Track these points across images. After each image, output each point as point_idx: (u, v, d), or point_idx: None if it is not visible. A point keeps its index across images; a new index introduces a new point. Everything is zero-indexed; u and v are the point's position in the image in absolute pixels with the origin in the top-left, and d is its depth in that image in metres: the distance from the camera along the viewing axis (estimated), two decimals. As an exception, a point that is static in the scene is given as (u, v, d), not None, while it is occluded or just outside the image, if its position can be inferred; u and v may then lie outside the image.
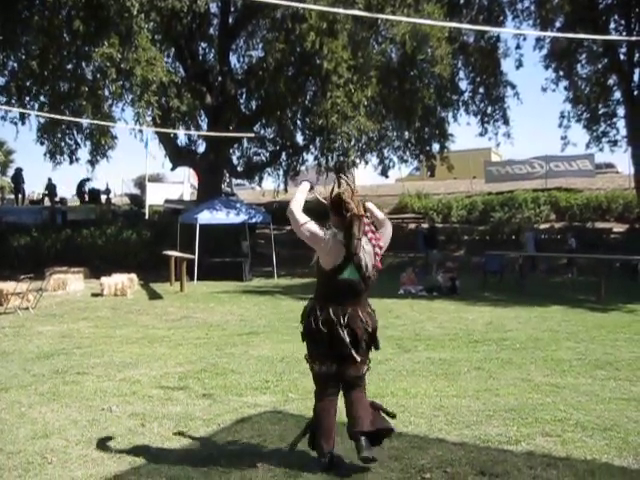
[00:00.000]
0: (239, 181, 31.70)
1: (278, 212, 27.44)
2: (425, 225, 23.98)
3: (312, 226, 4.27)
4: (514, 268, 18.58)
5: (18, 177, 31.13)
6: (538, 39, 23.59)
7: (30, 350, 8.86)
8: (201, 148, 25.59)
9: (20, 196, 31.47)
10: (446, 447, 4.66)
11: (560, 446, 4.71)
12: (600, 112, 24.09)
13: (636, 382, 6.66)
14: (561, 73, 24.32)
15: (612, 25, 23.35)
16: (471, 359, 7.90)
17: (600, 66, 23.74)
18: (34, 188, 37.65)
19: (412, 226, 25.70)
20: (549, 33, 22.31)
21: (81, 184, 31.06)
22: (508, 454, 4.53)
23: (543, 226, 24.68)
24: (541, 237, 22.43)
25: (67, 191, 53.58)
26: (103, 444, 4.84)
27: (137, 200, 33.47)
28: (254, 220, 21.23)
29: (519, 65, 24.03)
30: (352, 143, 20.67)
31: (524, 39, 25.38)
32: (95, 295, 15.50)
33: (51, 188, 30.93)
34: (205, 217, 19.05)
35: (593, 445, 4.72)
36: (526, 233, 20.60)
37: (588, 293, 14.81)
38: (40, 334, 10.25)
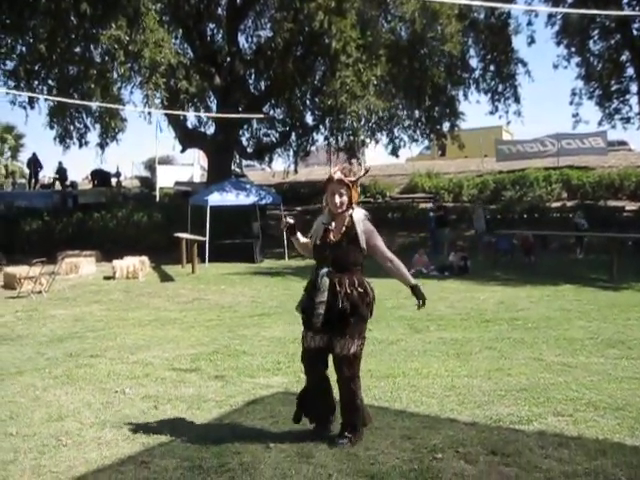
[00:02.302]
0: (249, 162, 31.63)
1: (289, 193, 27.49)
2: (431, 207, 23.29)
3: None
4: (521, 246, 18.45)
5: (34, 162, 31.07)
6: (550, 15, 23.27)
7: (44, 334, 8.95)
8: (210, 130, 25.60)
9: (33, 181, 31.53)
10: (458, 427, 4.67)
11: (572, 426, 4.70)
12: (612, 89, 23.80)
13: (649, 361, 6.62)
14: (573, 49, 24.00)
15: (625, 0, 23.01)
16: (483, 339, 7.90)
17: (613, 42, 23.41)
18: (44, 172, 37.80)
19: (423, 206, 25.56)
20: (561, 9, 22.00)
21: (94, 173, 31.14)
22: (520, 434, 4.52)
23: (555, 204, 24.48)
24: (490, 215, 22.20)
25: (77, 174, 53.62)
26: (117, 426, 4.88)
27: (147, 183, 33.51)
28: (264, 201, 21.15)
29: (531, 42, 23.75)
30: (362, 123, 20.59)
31: (535, 15, 25.01)
32: (107, 278, 15.58)
33: (61, 172, 30.97)
34: (215, 199, 19.02)
35: (605, 425, 4.71)
36: (477, 210, 20.41)
37: (600, 272, 14.72)
38: (53, 318, 10.34)
